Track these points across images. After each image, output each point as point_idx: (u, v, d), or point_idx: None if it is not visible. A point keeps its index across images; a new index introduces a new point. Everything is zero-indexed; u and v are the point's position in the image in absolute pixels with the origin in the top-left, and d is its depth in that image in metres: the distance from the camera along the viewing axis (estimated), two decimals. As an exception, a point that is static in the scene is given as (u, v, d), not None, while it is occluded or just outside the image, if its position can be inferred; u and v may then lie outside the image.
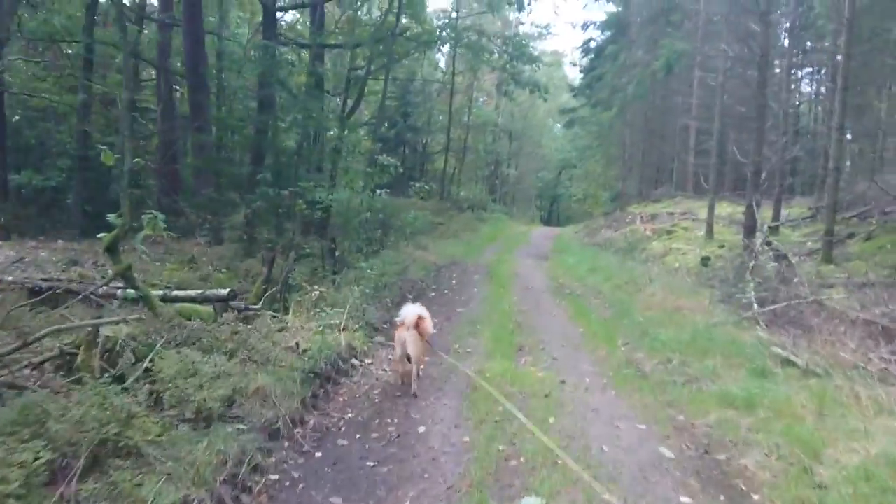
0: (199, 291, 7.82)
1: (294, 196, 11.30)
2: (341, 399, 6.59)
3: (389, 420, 6.01)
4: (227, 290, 7.60)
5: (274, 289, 9.87)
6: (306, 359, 6.93)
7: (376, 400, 6.63)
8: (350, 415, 6.14)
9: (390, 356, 8.26)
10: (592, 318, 11.29)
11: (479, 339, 9.38)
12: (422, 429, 5.78)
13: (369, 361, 7.94)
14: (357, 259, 12.04)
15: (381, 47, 23.77)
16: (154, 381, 5.30)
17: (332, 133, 17.61)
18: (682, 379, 7.30)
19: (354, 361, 7.74)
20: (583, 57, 37.11)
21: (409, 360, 6.83)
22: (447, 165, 39.40)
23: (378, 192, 12.10)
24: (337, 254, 11.93)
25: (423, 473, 4.91)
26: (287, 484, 4.79)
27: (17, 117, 23.42)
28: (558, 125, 57.81)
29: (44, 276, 9.22)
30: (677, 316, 10.53)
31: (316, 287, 9.30)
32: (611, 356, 8.61)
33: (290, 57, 29.24)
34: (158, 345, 6.04)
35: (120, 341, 5.84)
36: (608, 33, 34.80)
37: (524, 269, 18.56)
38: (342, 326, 8.29)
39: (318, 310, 8.95)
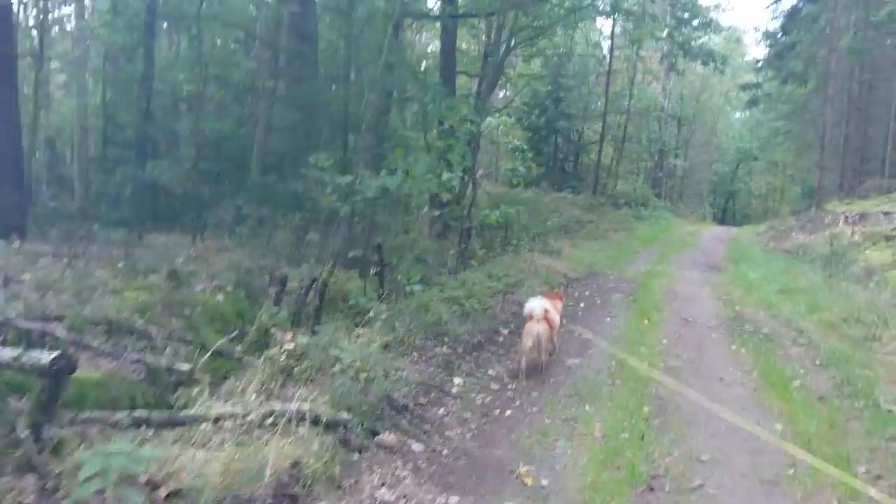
0: (13, 355, 4.20)
1: (316, 184, 7.54)
2: None
3: None
4: (53, 354, 3.92)
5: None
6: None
7: None
8: None
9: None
10: (795, 392, 6.57)
11: (576, 446, 5.08)
12: None
13: (324, 511, 3.92)
14: (411, 278, 8.06)
15: (521, 17, 19.69)
16: None
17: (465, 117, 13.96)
18: None
19: (288, 513, 3.80)
20: (772, 19, 30.75)
21: (540, 352, 6.94)
22: (603, 156, 34.47)
23: (450, 177, 8.01)
24: (375, 270, 8.02)
25: None
26: None
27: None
28: (737, 113, 50.50)
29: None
30: (969, 407, 5.62)
31: (291, 336, 5.44)
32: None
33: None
34: None
35: None
36: (806, -11, 28.31)
37: (685, 286, 13.71)
38: (296, 419, 4.39)
39: (289, 376, 5.15)
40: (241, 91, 22.36)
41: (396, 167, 7.39)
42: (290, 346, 5.18)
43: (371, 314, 6.83)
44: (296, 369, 5.17)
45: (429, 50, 32.39)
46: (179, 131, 22.62)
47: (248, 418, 4.43)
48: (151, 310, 6.63)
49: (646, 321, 9.94)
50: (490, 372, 7.04)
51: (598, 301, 11.61)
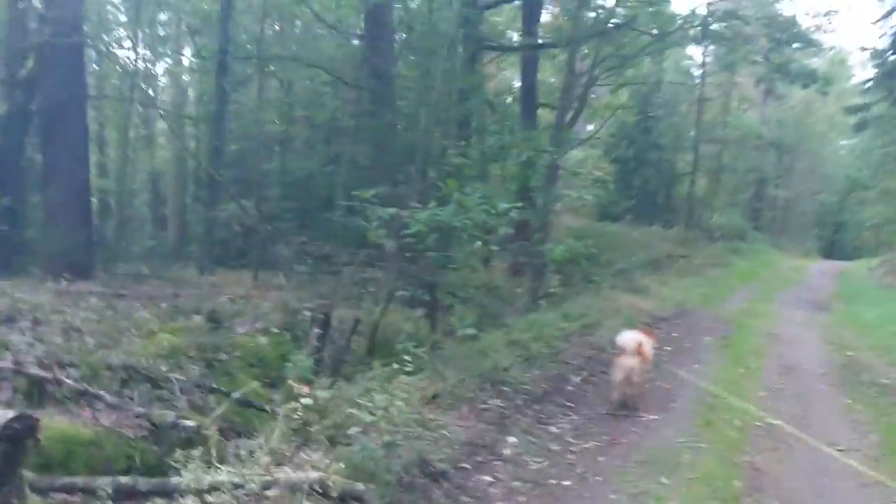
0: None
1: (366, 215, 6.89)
2: None
3: None
4: (10, 414, 3.35)
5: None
6: None
7: None
8: None
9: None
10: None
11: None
12: None
13: None
14: (465, 320, 7.28)
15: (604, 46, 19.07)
16: None
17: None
18: None
19: None
20: (880, 37, 28.55)
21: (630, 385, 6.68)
22: (696, 187, 32.79)
23: (507, 208, 7.19)
24: (428, 311, 7.29)
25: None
26: None
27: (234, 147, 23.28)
28: (843, 141, 47.26)
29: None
30: None
31: (310, 389, 4.75)
32: None
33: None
34: None
35: None
36: (919, 3, 26.06)
37: (788, 326, 12.33)
38: (301, 491, 3.69)
39: (308, 438, 4.46)
40: (327, 130, 22.64)
41: (450, 198, 6.72)
42: (308, 400, 4.50)
43: (417, 361, 6.08)
44: (315, 428, 4.48)
45: (516, 85, 31.98)
46: (266, 171, 23.06)
47: (245, 490, 3.77)
48: (181, 354, 6.14)
49: (741, 369, 8.79)
50: (552, 429, 6.15)
51: (687, 344, 10.48)
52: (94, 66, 22.66)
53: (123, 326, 6.49)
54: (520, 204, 7.12)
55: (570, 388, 7.67)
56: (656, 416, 6.57)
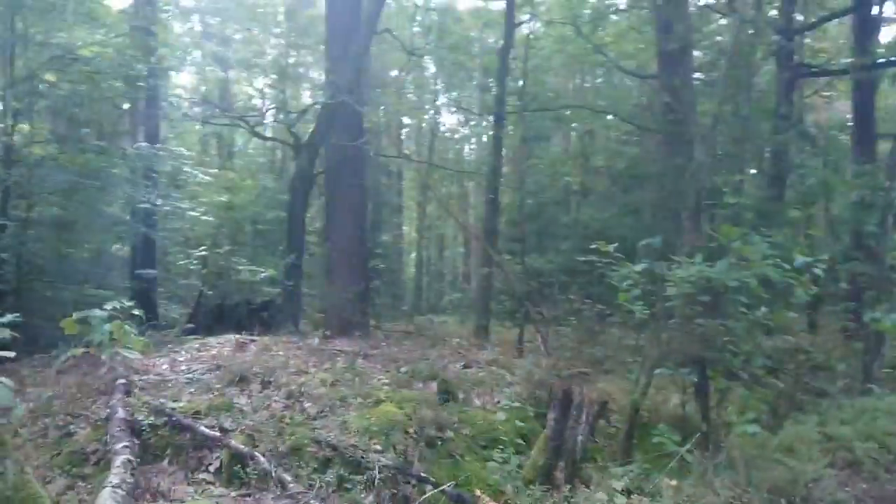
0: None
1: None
2: None
3: None
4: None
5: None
6: None
7: None
8: None
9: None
10: None
11: None
12: None
13: None
14: (747, 411, 5.40)
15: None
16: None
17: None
18: None
19: None
20: None
21: None
22: None
23: (806, 261, 5.17)
24: (697, 394, 5.58)
25: None
26: None
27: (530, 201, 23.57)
28: None
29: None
30: None
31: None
32: None
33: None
34: None
35: None
36: None
37: None
38: None
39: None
40: (627, 179, 21.78)
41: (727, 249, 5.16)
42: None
43: (680, 461, 4.60)
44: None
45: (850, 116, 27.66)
46: (562, 223, 22.75)
47: None
48: (398, 430, 5.43)
49: None
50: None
51: None
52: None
53: (350, 393, 6.03)
54: (824, 256, 5.19)
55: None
56: None
